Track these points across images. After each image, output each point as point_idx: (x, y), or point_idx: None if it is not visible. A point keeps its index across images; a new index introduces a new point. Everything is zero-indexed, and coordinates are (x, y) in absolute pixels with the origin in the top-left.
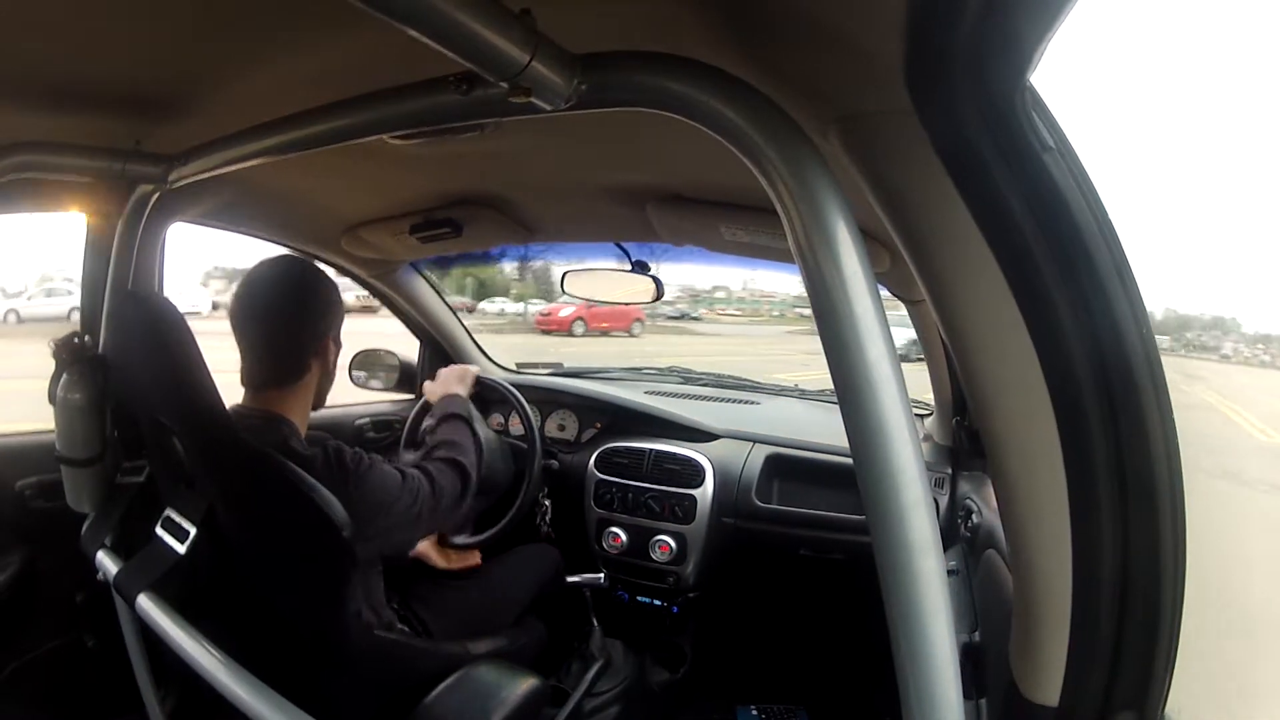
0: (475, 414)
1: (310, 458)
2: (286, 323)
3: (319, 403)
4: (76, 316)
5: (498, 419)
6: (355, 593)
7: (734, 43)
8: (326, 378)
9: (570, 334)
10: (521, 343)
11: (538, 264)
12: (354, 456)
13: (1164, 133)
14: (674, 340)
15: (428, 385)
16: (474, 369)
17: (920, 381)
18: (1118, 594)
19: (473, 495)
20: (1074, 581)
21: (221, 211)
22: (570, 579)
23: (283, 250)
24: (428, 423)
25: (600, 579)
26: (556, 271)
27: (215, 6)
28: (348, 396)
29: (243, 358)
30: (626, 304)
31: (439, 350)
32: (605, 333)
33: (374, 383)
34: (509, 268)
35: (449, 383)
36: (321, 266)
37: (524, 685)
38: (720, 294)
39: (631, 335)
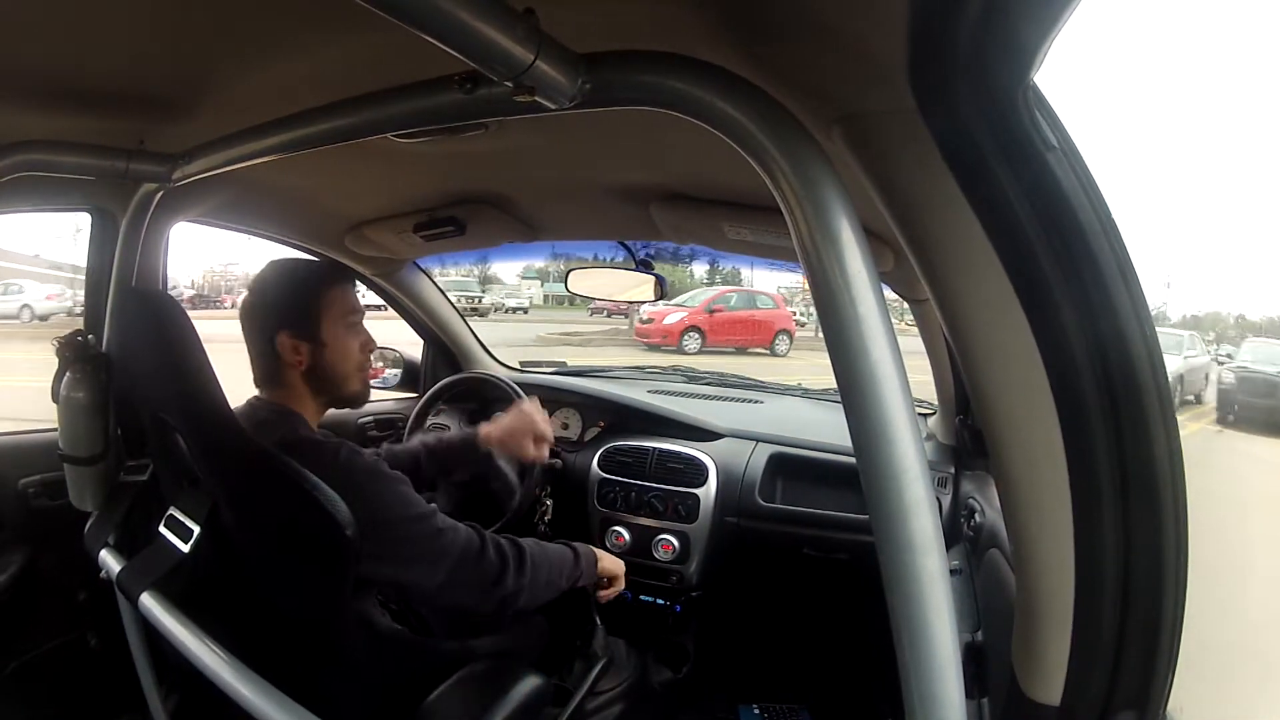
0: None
1: (324, 445)
2: (249, 324)
3: (337, 402)
4: (27, 315)
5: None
6: (358, 591)
7: (737, 42)
8: (319, 376)
9: (680, 349)
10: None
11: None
12: (369, 465)
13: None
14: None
15: (489, 432)
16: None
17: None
18: (1120, 593)
19: (510, 590)
20: (1076, 581)
21: (225, 210)
22: None
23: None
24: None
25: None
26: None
27: (220, 6)
28: None
29: None
30: (631, 301)
31: (443, 349)
32: (742, 349)
33: (378, 381)
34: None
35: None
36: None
37: (526, 684)
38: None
39: (775, 354)
